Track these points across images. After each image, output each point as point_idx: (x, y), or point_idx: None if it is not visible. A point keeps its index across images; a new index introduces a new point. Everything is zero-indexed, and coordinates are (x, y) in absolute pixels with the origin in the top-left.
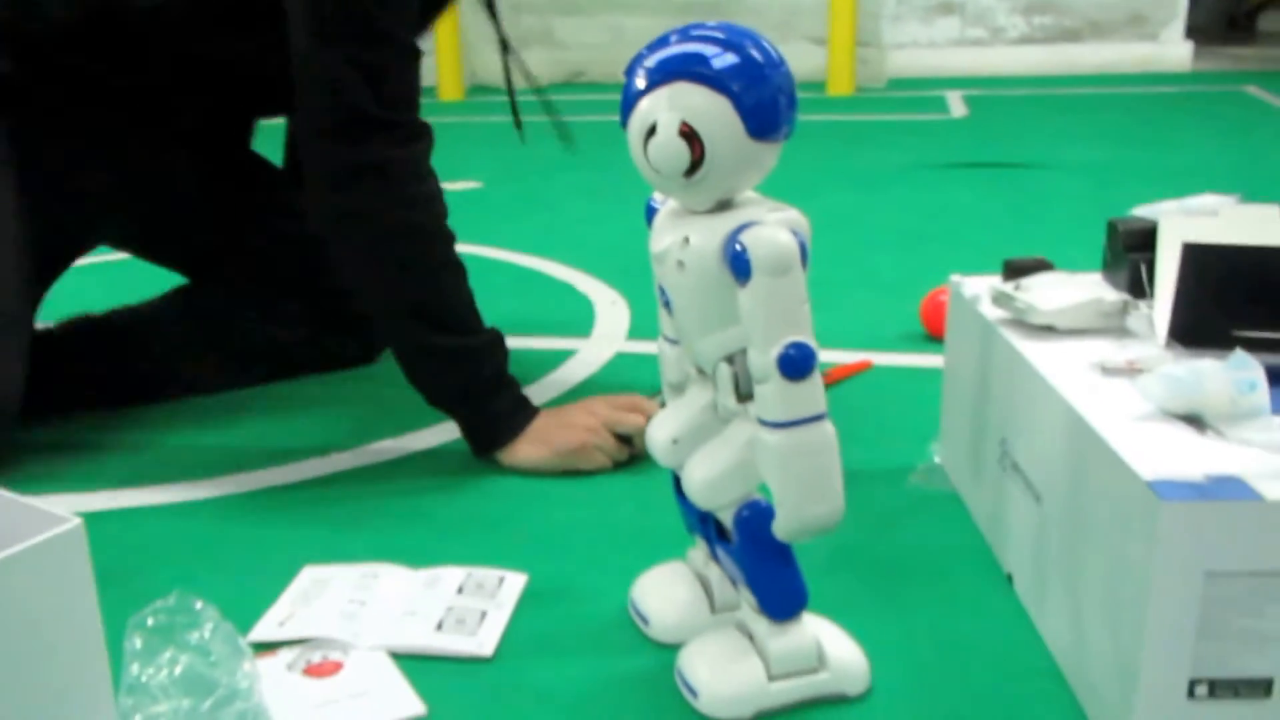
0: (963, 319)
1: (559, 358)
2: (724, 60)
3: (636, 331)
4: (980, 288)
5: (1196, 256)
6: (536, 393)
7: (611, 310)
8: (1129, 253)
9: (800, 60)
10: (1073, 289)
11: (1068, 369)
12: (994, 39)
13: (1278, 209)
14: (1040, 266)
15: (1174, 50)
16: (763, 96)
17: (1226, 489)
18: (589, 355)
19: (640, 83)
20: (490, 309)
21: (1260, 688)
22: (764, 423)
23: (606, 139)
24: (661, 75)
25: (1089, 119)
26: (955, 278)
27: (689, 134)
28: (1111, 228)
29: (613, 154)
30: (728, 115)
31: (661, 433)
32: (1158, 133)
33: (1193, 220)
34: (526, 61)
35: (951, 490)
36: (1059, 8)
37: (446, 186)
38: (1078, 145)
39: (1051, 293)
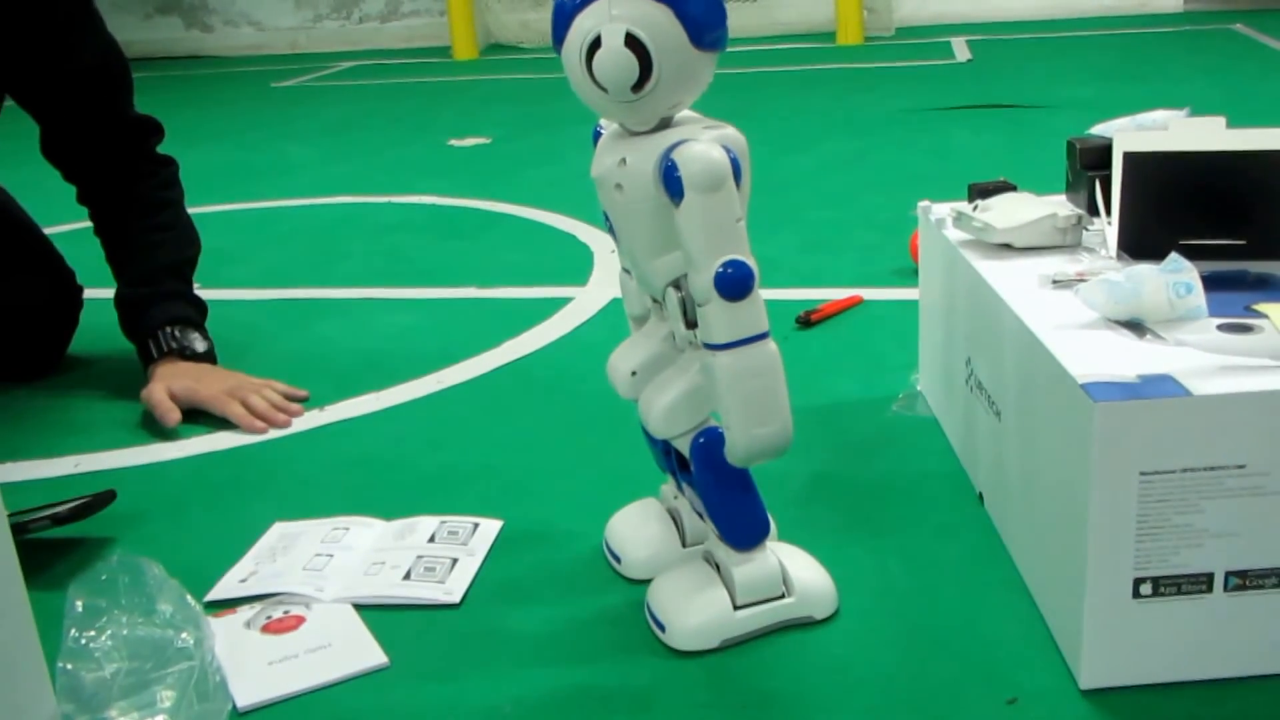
0: (931, 243)
1: (556, 305)
2: None
3: None
4: (945, 211)
5: (1137, 165)
6: (532, 338)
7: (610, 258)
8: (1087, 171)
9: (811, 11)
10: (1030, 207)
11: (1020, 283)
12: None
13: (1223, 120)
14: (1003, 188)
15: None
16: (703, 5)
17: (1157, 387)
18: (585, 302)
19: None
20: (493, 260)
21: (1202, 582)
22: (707, 345)
23: None
24: None
25: (1086, 60)
26: (923, 203)
27: (634, 44)
28: (1070, 147)
29: None
30: (671, 24)
31: (622, 365)
32: (1150, 70)
33: (1143, 134)
34: (544, 19)
35: (930, 416)
36: None
37: (457, 142)
38: (1075, 85)
39: (1009, 211)
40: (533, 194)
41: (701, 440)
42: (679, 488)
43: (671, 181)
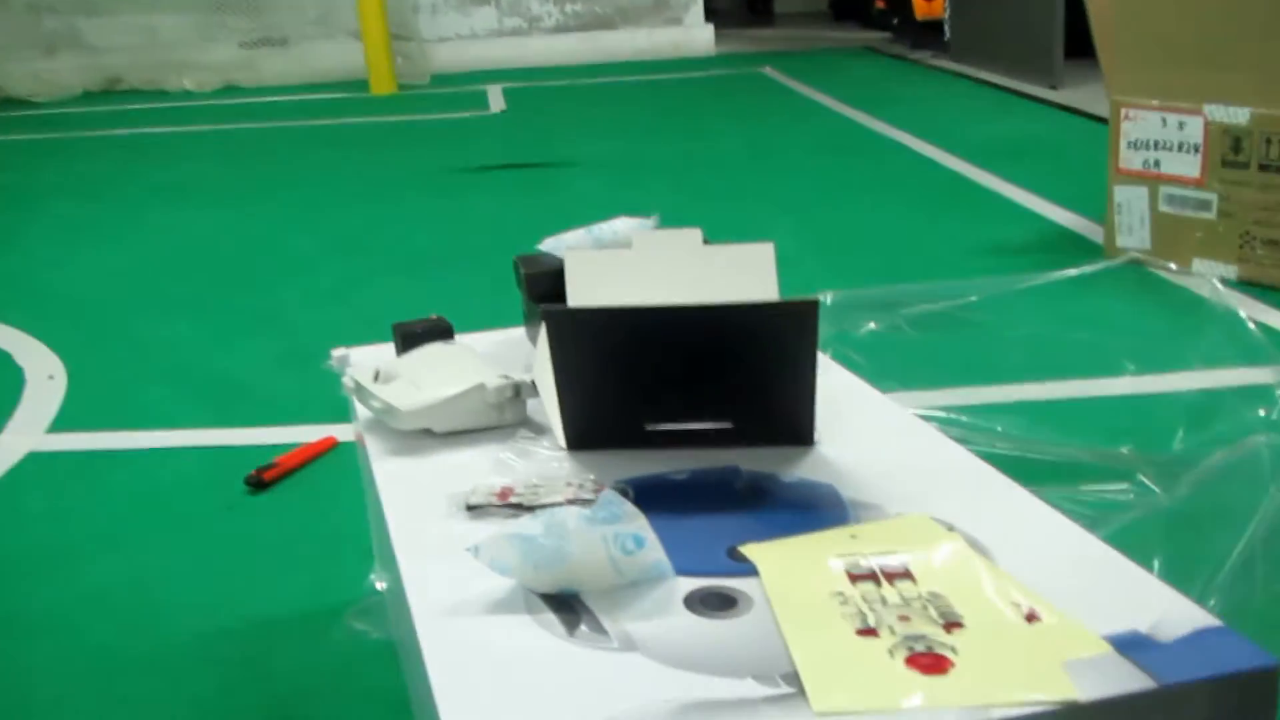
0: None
1: None
2: None
3: (67, 419)
4: (366, 370)
5: (564, 329)
6: None
7: (44, 388)
8: (538, 303)
9: (342, 58)
10: (455, 372)
11: (423, 509)
12: (531, 29)
13: (698, 233)
14: (434, 331)
15: (698, 34)
16: None
17: None
18: None
19: None
20: None
21: None
22: None
23: (133, 156)
24: None
25: (619, 109)
26: (337, 352)
27: None
28: (516, 268)
29: (126, 176)
30: None
31: None
32: (683, 120)
33: (601, 259)
34: (57, 69)
35: (392, 640)
36: None
37: None
38: (607, 138)
39: (424, 381)
40: None
41: None
42: None
43: None
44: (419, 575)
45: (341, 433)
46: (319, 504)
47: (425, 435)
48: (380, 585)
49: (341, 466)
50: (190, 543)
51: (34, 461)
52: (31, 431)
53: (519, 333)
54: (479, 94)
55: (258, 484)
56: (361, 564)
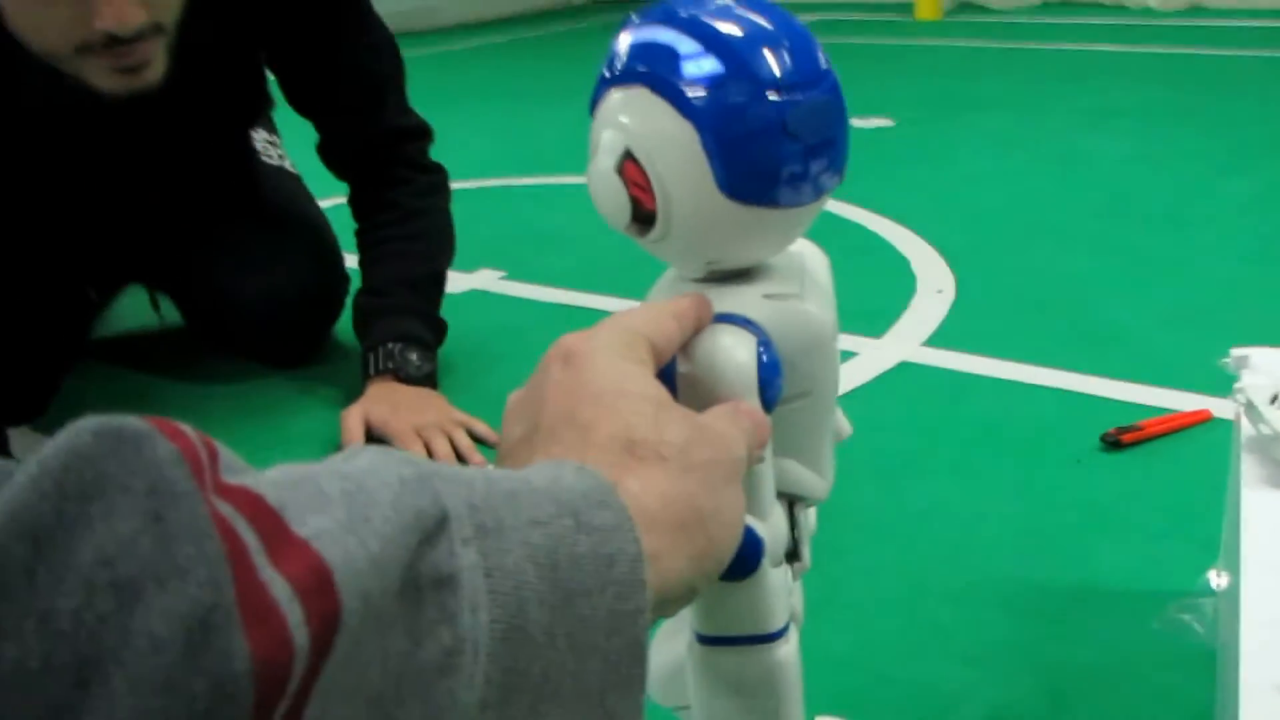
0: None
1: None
2: (702, 65)
3: (944, 335)
4: (1263, 383)
5: None
6: None
7: (931, 301)
8: None
9: None
10: None
11: None
12: None
13: None
14: None
15: None
16: (749, 132)
17: None
18: (863, 364)
19: (606, 71)
20: None
21: None
22: (695, 635)
23: (1075, 74)
24: (625, 69)
25: None
26: (1236, 351)
27: (635, 173)
28: None
29: (1064, 94)
30: (692, 154)
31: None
32: None
33: None
34: None
35: (1214, 647)
36: None
37: (859, 122)
38: None
39: None
40: (898, 198)
41: None
42: None
43: (666, 378)
44: (1262, 639)
45: (1217, 407)
46: (1175, 478)
47: None
48: (1216, 583)
49: (1211, 443)
50: (1028, 486)
51: (903, 371)
52: (909, 341)
53: None
54: None
55: (1115, 443)
56: (1204, 554)
